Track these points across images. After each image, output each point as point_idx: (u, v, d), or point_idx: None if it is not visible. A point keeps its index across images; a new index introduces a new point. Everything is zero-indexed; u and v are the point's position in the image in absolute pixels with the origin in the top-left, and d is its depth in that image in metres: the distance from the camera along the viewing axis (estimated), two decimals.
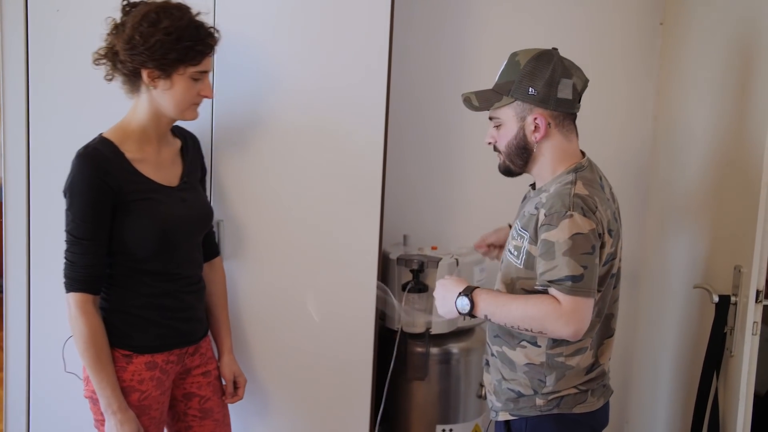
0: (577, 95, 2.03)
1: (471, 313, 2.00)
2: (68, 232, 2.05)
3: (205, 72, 2.15)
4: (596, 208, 1.94)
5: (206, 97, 2.18)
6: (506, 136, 2.07)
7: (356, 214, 2.56)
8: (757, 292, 2.30)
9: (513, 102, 2.03)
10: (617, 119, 3.26)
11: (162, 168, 2.19)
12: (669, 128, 3.08)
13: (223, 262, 2.48)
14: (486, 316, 2.00)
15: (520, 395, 2.09)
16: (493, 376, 2.18)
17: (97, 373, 2.07)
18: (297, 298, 2.59)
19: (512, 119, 2.05)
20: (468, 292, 2.01)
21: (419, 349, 2.80)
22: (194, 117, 2.20)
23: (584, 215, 1.90)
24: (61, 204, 2.08)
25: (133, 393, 2.13)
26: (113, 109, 2.19)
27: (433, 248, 2.86)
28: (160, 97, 2.11)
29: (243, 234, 2.53)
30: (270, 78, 2.48)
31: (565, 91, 2.00)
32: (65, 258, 2.06)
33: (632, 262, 3.23)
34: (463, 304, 2.00)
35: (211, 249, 2.42)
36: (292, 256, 2.57)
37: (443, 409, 2.87)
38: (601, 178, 2.10)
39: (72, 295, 2.05)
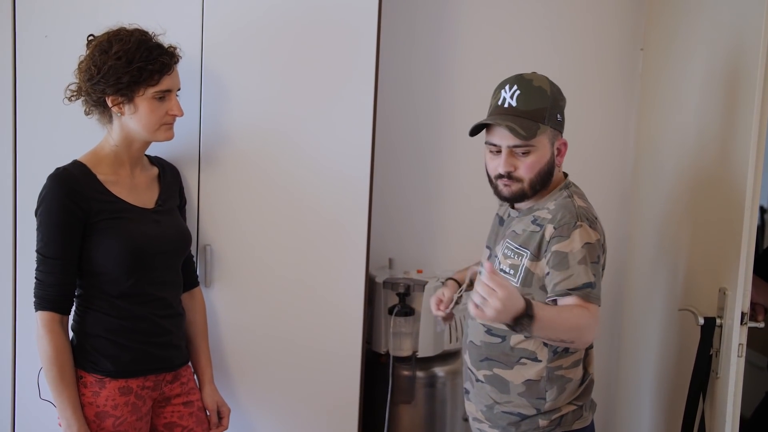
0: None
1: (529, 319, 1.75)
2: (37, 251, 2.08)
3: (168, 91, 2.17)
4: (596, 220, 2.02)
5: (175, 115, 2.20)
6: (539, 163, 2.04)
7: (343, 239, 2.57)
8: (742, 314, 2.32)
9: (548, 129, 2.04)
10: (599, 143, 3.29)
11: (136, 191, 2.21)
12: (651, 152, 3.11)
13: (202, 291, 2.47)
14: (537, 331, 1.79)
15: (522, 417, 2.10)
16: (481, 402, 2.17)
17: (59, 394, 2.07)
18: (283, 322, 2.58)
19: (547, 146, 2.04)
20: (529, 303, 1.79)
21: (405, 373, 2.81)
22: (169, 137, 2.22)
23: (590, 226, 1.97)
24: None
25: (108, 418, 2.12)
26: (99, 132, 2.21)
27: (419, 271, 2.88)
28: (129, 121, 2.15)
29: (230, 259, 2.52)
30: (257, 105, 2.49)
31: (563, 116, 2.11)
32: (35, 277, 2.09)
33: (616, 283, 3.26)
34: (522, 307, 1.75)
35: (190, 279, 2.42)
36: (279, 281, 2.56)
37: None
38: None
39: (39, 314, 2.08)
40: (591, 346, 2.17)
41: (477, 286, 1.73)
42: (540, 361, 2.06)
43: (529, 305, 1.76)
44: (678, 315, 2.66)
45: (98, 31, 2.16)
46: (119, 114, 2.15)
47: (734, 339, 2.34)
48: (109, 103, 2.13)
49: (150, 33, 2.16)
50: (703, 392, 2.45)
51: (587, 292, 1.89)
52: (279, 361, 2.59)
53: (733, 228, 2.35)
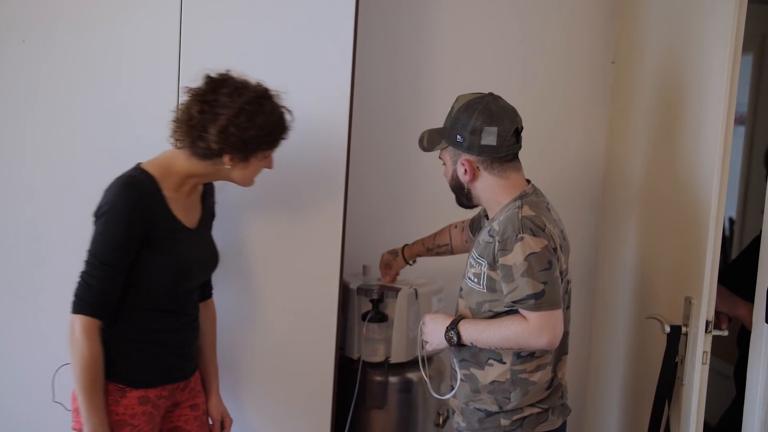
0: (504, 140, 2.15)
1: (459, 343, 2.19)
2: (93, 254, 2.05)
3: None
4: (545, 225, 2.10)
5: (269, 168, 2.26)
6: (447, 176, 2.28)
7: (317, 246, 2.60)
8: (707, 323, 2.37)
9: (448, 146, 2.22)
10: (569, 154, 3.34)
11: (188, 210, 2.21)
12: (619, 163, 3.16)
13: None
14: (472, 343, 2.18)
15: (487, 413, 2.21)
16: (461, 399, 2.28)
17: (89, 401, 2.04)
18: (257, 328, 2.60)
19: (449, 161, 2.25)
20: (454, 324, 2.20)
21: (378, 378, 2.83)
22: (252, 185, 2.26)
23: (534, 235, 2.06)
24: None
25: (125, 427, 2.12)
26: (77, 140, 2.22)
27: None
28: (231, 171, 2.17)
29: None
30: None
31: (488, 138, 2.14)
32: (83, 279, 2.06)
33: (585, 291, 3.31)
34: (451, 335, 2.19)
35: (205, 289, 2.43)
36: (253, 287, 2.59)
37: None
38: (547, 204, 2.24)
39: (79, 317, 2.03)
40: (565, 352, 2.26)
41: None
42: (504, 363, 2.18)
43: (454, 322, 2.20)
44: (645, 323, 2.70)
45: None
46: (226, 165, 2.14)
47: (699, 346, 2.39)
48: (226, 159, 2.12)
49: (277, 97, 2.18)
50: (668, 399, 2.50)
51: (530, 303, 2.05)
52: (251, 367, 2.62)
53: (699, 238, 2.40)
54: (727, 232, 4.46)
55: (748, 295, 2.60)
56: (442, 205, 3.02)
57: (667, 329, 2.46)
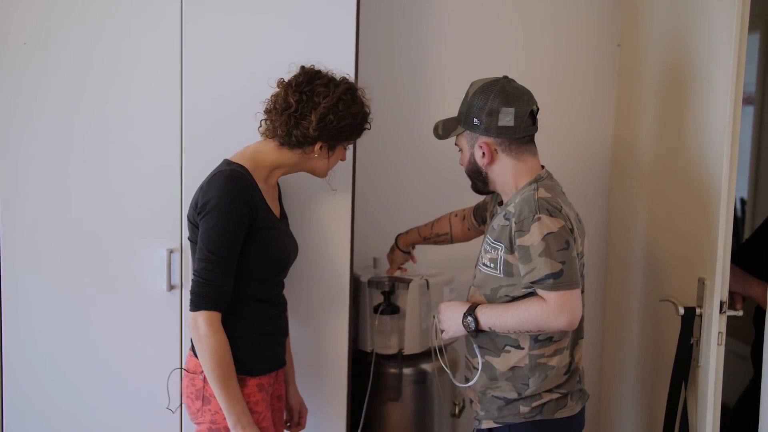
0: (521, 121, 2.16)
1: (477, 329, 2.17)
2: (209, 250, 2.09)
3: None
4: (561, 206, 2.10)
5: (343, 160, 2.35)
6: (464, 162, 2.29)
7: (327, 240, 2.59)
8: (721, 303, 2.35)
9: (464, 131, 2.23)
10: (576, 138, 3.33)
11: (273, 202, 2.28)
12: (628, 146, 3.14)
13: (175, 297, 2.52)
14: (490, 329, 2.16)
15: (506, 401, 2.21)
16: (478, 388, 2.28)
17: (228, 391, 2.09)
18: None
19: (466, 146, 2.26)
20: (471, 311, 2.18)
21: (392, 370, 2.82)
22: (326, 176, 2.36)
23: (551, 215, 2.06)
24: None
25: (252, 415, 2.17)
26: (72, 133, 2.21)
27: (403, 270, 2.89)
28: (315, 161, 2.25)
29: None
30: (241, 107, 2.50)
31: (506, 119, 2.15)
32: (199, 276, 2.09)
33: (597, 276, 3.30)
34: (469, 321, 2.17)
35: None
36: None
37: (418, 429, 2.88)
38: (561, 188, 2.25)
39: (202, 313, 2.08)
40: (581, 336, 2.25)
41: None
42: (522, 348, 2.17)
43: (471, 308, 2.17)
44: (659, 305, 2.69)
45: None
46: (313, 154, 2.23)
47: (713, 328, 2.38)
48: (317, 148, 2.21)
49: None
50: (684, 381, 2.49)
51: (548, 283, 2.04)
52: None
53: (711, 218, 2.38)
54: (739, 213, 4.43)
55: (763, 275, 2.59)
56: (452, 196, 3.02)
57: (681, 311, 2.45)
